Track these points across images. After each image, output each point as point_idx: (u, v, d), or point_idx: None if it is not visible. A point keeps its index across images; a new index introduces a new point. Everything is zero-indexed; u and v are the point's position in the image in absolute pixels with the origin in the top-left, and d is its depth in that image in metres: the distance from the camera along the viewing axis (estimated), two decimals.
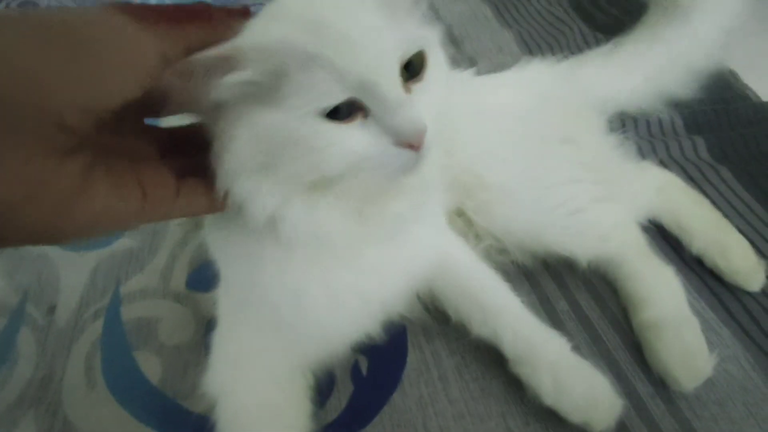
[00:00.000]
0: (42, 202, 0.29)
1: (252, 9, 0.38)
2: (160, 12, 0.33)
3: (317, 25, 0.35)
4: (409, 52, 0.38)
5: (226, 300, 0.56)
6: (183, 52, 0.33)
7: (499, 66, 0.81)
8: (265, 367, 0.54)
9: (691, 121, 0.85)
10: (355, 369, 0.63)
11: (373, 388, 0.62)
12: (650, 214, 0.72)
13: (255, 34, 0.36)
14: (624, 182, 0.69)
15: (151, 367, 0.66)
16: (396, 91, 0.36)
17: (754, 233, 0.70)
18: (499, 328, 0.57)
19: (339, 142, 0.37)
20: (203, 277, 0.67)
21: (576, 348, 0.57)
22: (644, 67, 0.77)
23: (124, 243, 0.81)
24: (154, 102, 0.35)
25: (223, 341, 0.55)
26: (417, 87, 0.39)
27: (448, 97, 0.43)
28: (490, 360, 0.61)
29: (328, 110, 0.36)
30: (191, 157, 0.39)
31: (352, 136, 0.37)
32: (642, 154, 0.80)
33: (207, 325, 0.67)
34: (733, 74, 0.93)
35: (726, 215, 0.71)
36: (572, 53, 0.86)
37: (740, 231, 0.69)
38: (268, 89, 0.35)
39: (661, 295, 0.62)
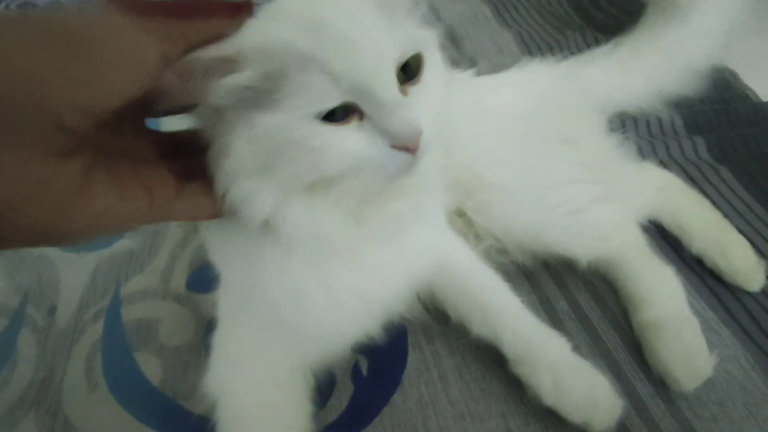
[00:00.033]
0: (42, 202, 0.29)
1: (256, 2, 0.38)
2: (160, 7, 0.33)
3: (314, 27, 0.35)
4: (406, 54, 0.38)
5: (226, 301, 0.56)
6: (183, 51, 0.33)
7: (498, 66, 0.81)
8: (266, 367, 0.54)
9: (691, 121, 0.85)
10: (355, 369, 0.63)
11: (373, 389, 0.62)
12: (650, 214, 0.72)
13: (253, 35, 0.36)
14: (624, 182, 0.69)
15: (151, 367, 0.66)
16: (392, 94, 0.37)
17: (754, 233, 0.70)
18: (499, 328, 0.57)
19: (335, 145, 0.37)
20: (203, 278, 0.67)
21: (576, 348, 0.57)
22: (644, 67, 0.77)
23: (124, 244, 0.81)
24: (154, 102, 0.35)
25: (223, 342, 0.55)
26: (414, 89, 0.40)
27: (447, 98, 0.43)
28: (491, 360, 0.61)
29: (324, 113, 0.36)
30: (191, 159, 0.39)
31: (349, 138, 0.37)
32: (642, 154, 0.80)
33: (207, 326, 0.67)
34: (733, 74, 0.93)
35: (726, 215, 0.71)
36: (572, 54, 0.85)
37: (740, 231, 0.69)
38: (265, 92, 0.35)
39: (661, 295, 0.62)
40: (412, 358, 0.64)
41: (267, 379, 0.54)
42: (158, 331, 0.70)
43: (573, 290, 0.68)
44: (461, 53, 1.11)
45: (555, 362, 0.55)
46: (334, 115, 0.36)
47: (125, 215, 0.33)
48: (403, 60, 0.38)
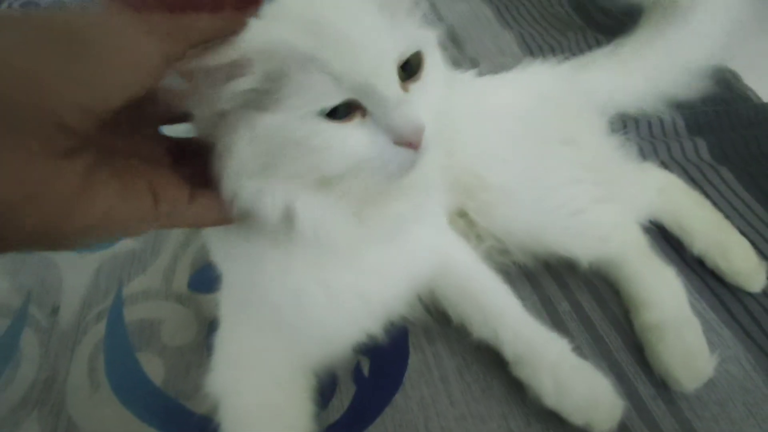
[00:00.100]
0: (42, 202, 0.28)
1: None
2: (162, 2, 0.33)
3: (315, 27, 0.35)
4: (407, 52, 0.38)
5: (227, 301, 0.56)
6: (186, 50, 0.33)
7: (500, 67, 0.81)
8: (267, 367, 0.54)
9: (692, 122, 0.86)
10: (357, 370, 0.63)
11: (374, 389, 0.62)
12: (651, 215, 0.72)
13: (256, 36, 0.36)
14: (625, 183, 0.69)
15: (153, 368, 0.66)
16: (394, 90, 0.37)
17: (755, 234, 0.70)
18: (499, 330, 0.57)
19: (338, 142, 0.37)
20: (205, 279, 0.67)
21: (577, 349, 0.57)
22: (645, 68, 0.77)
23: (127, 244, 0.81)
24: (156, 106, 0.35)
25: (225, 342, 0.55)
26: (415, 86, 0.40)
27: (448, 98, 0.43)
28: (492, 361, 0.61)
29: (326, 111, 0.36)
30: (200, 166, 0.39)
31: (351, 135, 0.37)
32: (643, 155, 0.80)
33: (209, 326, 0.67)
34: (734, 75, 0.93)
35: (727, 216, 0.71)
36: (573, 54, 0.86)
37: (741, 232, 0.69)
38: (266, 92, 0.35)
39: (663, 297, 0.62)
40: (414, 358, 0.64)
41: (269, 379, 0.54)
42: (161, 332, 0.70)
43: (574, 291, 0.68)
44: (462, 54, 1.11)
45: (556, 363, 0.55)
46: (337, 113, 0.36)
47: (128, 216, 0.33)
48: (404, 58, 0.38)
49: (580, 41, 1.06)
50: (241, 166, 0.37)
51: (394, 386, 0.62)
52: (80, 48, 0.28)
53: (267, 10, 0.37)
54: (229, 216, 0.39)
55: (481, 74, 0.77)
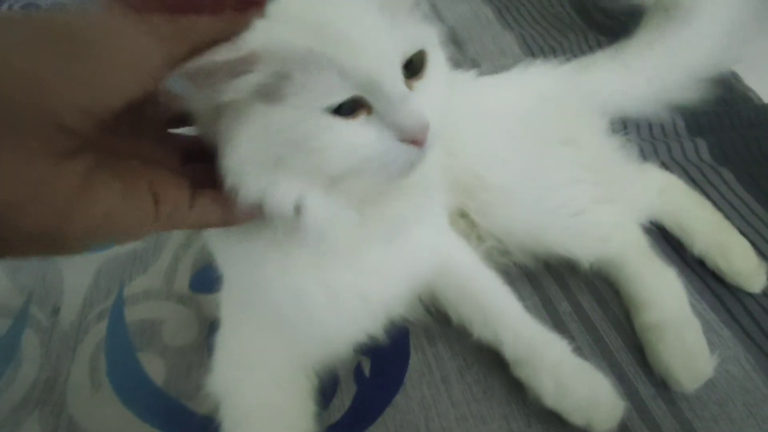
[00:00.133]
0: (43, 202, 0.28)
1: None
2: (164, 3, 0.33)
3: (321, 25, 0.35)
4: (411, 50, 0.38)
5: (228, 301, 0.56)
6: (188, 52, 0.33)
7: (501, 68, 0.81)
8: (268, 367, 0.55)
9: (693, 122, 0.86)
10: (358, 370, 0.63)
11: (375, 390, 0.62)
12: (652, 216, 0.72)
13: (262, 35, 0.35)
14: (625, 183, 0.69)
15: (155, 368, 0.66)
16: (399, 88, 0.37)
17: (755, 235, 0.70)
18: (499, 331, 0.57)
19: (344, 137, 0.37)
20: (206, 279, 0.67)
21: (578, 349, 0.58)
22: (646, 69, 0.77)
23: (128, 244, 0.81)
24: (163, 107, 0.35)
25: (226, 342, 0.55)
26: (418, 84, 0.40)
27: (449, 97, 0.43)
28: (492, 362, 0.61)
29: (332, 108, 0.36)
30: (204, 165, 0.39)
31: (357, 131, 0.37)
32: (644, 156, 0.80)
33: (210, 327, 0.67)
34: (734, 76, 0.92)
35: (727, 217, 0.71)
36: (574, 55, 0.86)
37: (741, 232, 0.69)
38: (273, 88, 0.35)
39: (663, 297, 0.62)
40: (414, 359, 0.64)
41: (270, 379, 0.54)
42: (162, 332, 0.70)
43: (575, 291, 0.68)
44: (463, 55, 1.11)
45: (556, 364, 0.55)
46: (342, 111, 0.36)
47: (129, 218, 0.33)
48: (407, 56, 0.38)
49: (581, 42, 1.06)
50: (247, 159, 0.37)
51: (395, 386, 0.62)
52: (80, 49, 0.28)
53: (271, 10, 0.37)
54: (233, 217, 0.39)
55: (481, 75, 0.77)
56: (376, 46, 0.36)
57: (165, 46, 0.32)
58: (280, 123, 0.36)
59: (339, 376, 0.63)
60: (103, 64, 0.29)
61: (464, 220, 0.66)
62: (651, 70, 0.77)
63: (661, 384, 0.58)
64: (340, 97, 0.36)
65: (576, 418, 0.54)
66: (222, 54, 0.33)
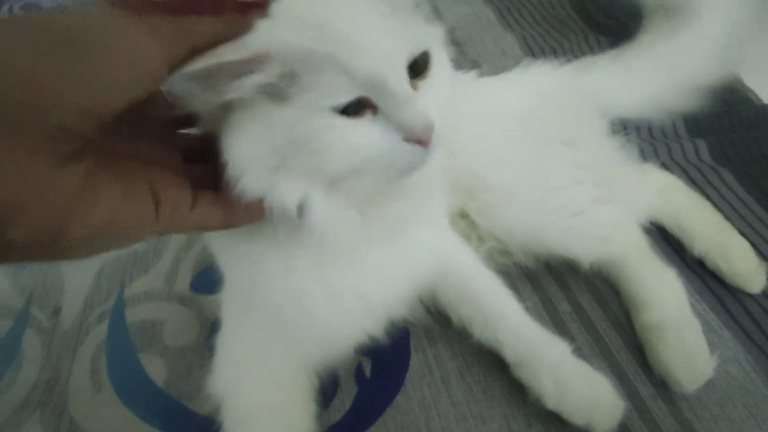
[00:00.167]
0: (43, 203, 0.28)
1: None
2: (164, 4, 0.33)
3: (326, 26, 0.35)
4: (416, 51, 0.39)
5: (229, 302, 0.56)
6: (189, 52, 0.33)
7: (502, 69, 0.81)
8: (269, 368, 0.55)
9: (693, 123, 0.86)
10: (358, 370, 0.63)
11: (376, 390, 0.62)
12: (652, 216, 0.72)
13: (264, 35, 0.36)
14: (625, 184, 0.69)
15: (155, 368, 0.66)
16: (404, 87, 0.37)
17: (755, 235, 0.70)
18: (499, 332, 0.57)
19: (350, 137, 0.37)
20: (207, 280, 0.67)
21: (578, 349, 0.58)
22: (647, 72, 0.77)
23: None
24: (164, 108, 0.35)
25: (227, 343, 0.56)
26: (423, 85, 0.40)
27: (452, 98, 0.43)
28: (493, 362, 0.61)
29: (339, 108, 0.36)
30: (206, 166, 0.39)
31: (363, 131, 0.37)
32: (644, 157, 0.80)
33: (211, 327, 0.67)
34: (734, 76, 0.92)
35: (727, 217, 0.71)
36: (575, 56, 0.86)
37: (741, 233, 0.69)
38: (280, 88, 0.35)
39: (663, 297, 0.62)
40: (415, 360, 0.64)
41: (271, 379, 0.54)
42: (162, 333, 0.70)
43: (575, 292, 0.68)
44: (464, 56, 1.11)
45: (556, 365, 0.55)
46: (348, 111, 0.37)
47: (130, 219, 0.33)
48: (412, 57, 0.38)
49: (582, 43, 1.06)
50: (250, 158, 0.37)
51: (395, 387, 0.62)
52: (81, 50, 0.28)
53: (275, 10, 0.37)
54: (234, 219, 0.39)
55: (482, 76, 0.77)
56: (378, 46, 0.36)
57: (165, 47, 0.32)
58: (285, 122, 0.36)
59: (340, 376, 0.63)
60: (103, 64, 0.29)
61: (465, 221, 0.66)
62: (652, 72, 0.77)
63: (661, 384, 0.58)
64: (346, 97, 0.36)
65: (576, 418, 0.54)
66: (231, 54, 0.33)
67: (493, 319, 0.58)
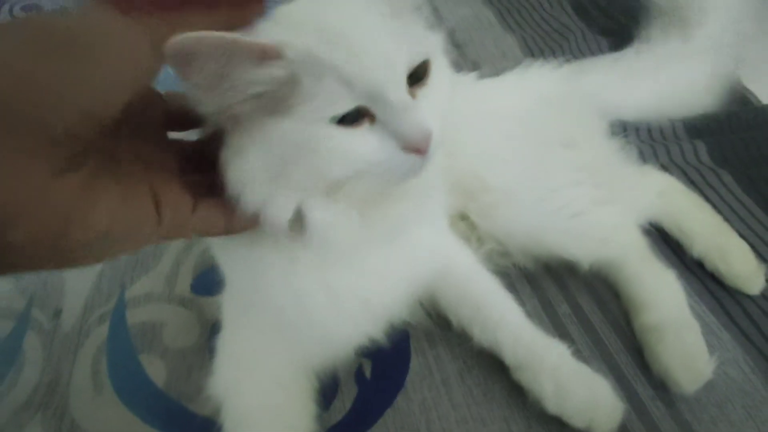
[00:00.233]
0: (43, 206, 0.28)
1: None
2: (160, 1, 0.32)
3: (326, 34, 0.35)
4: (416, 60, 0.39)
5: (230, 303, 0.56)
6: None
7: (502, 71, 0.81)
8: (270, 369, 0.55)
9: (692, 125, 0.86)
10: (359, 372, 0.64)
11: (376, 391, 0.62)
12: (651, 218, 0.72)
13: (268, 36, 0.35)
14: (625, 185, 0.70)
15: (156, 370, 0.67)
16: (403, 97, 0.37)
17: (754, 237, 0.70)
18: (499, 335, 0.57)
19: (348, 147, 0.37)
20: (208, 282, 0.67)
21: (577, 351, 0.58)
22: (647, 73, 0.78)
23: None
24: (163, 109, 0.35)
25: (227, 344, 0.56)
26: (421, 92, 0.40)
27: (451, 101, 0.43)
28: (492, 365, 0.61)
29: (337, 118, 0.36)
30: (206, 174, 0.39)
31: (361, 140, 0.37)
32: (643, 158, 0.80)
33: (211, 329, 0.68)
34: (734, 78, 0.92)
35: (726, 219, 0.71)
36: (575, 58, 0.86)
37: (741, 235, 0.69)
38: (278, 98, 0.36)
39: (662, 299, 0.62)
40: (415, 362, 0.64)
41: (271, 380, 0.54)
42: (163, 334, 0.70)
43: (575, 293, 0.68)
44: (464, 57, 1.11)
45: (556, 367, 0.55)
46: (346, 120, 0.37)
47: (131, 220, 0.33)
48: (413, 66, 0.38)
49: (581, 44, 1.06)
50: (252, 172, 0.37)
51: (395, 388, 0.62)
52: (81, 51, 0.28)
53: (276, 16, 0.37)
54: (235, 225, 0.39)
55: (482, 77, 0.77)
56: (378, 53, 0.36)
57: (152, 35, 0.31)
58: (284, 134, 0.36)
59: (340, 377, 0.63)
60: (103, 65, 0.29)
61: (464, 223, 0.66)
62: (652, 73, 0.77)
63: (661, 386, 0.59)
64: (344, 107, 0.36)
65: (576, 420, 0.54)
66: (244, 37, 0.33)
67: (493, 322, 0.58)
